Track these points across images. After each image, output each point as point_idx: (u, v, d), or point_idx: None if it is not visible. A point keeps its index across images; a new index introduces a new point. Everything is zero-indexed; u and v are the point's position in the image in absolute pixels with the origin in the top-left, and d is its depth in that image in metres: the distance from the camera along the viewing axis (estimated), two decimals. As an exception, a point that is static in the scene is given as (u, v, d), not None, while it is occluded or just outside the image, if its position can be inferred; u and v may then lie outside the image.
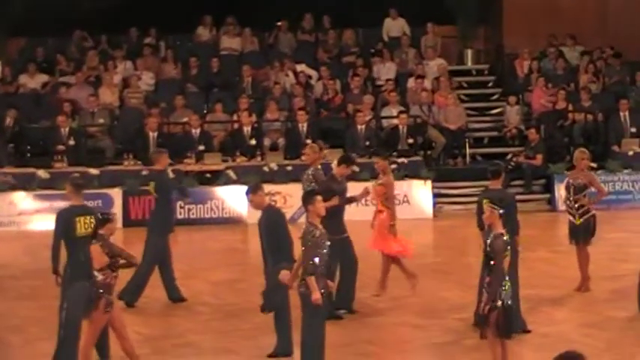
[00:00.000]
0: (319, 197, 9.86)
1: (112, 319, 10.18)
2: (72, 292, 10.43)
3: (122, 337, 10.26)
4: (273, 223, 10.74)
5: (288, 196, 19.92)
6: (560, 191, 20.22)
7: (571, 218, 13.78)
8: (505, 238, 9.77)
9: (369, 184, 13.89)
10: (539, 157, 21.78)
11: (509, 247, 9.84)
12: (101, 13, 25.23)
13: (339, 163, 12.78)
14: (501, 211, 9.89)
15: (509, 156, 22.73)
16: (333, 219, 12.00)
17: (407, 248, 13.17)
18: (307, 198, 9.91)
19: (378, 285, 13.09)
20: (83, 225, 10.48)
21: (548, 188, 21.63)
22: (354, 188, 20.97)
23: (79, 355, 10.16)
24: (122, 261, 10.17)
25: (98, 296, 9.96)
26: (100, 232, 10.13)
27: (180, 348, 11.54)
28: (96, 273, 9.99)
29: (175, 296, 13.53)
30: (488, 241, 9.78)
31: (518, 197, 21.25)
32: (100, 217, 10.28)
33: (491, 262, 9.68)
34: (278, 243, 10.63)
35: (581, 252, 13.73)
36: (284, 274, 10.27)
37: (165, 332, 12.19)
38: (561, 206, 19.92)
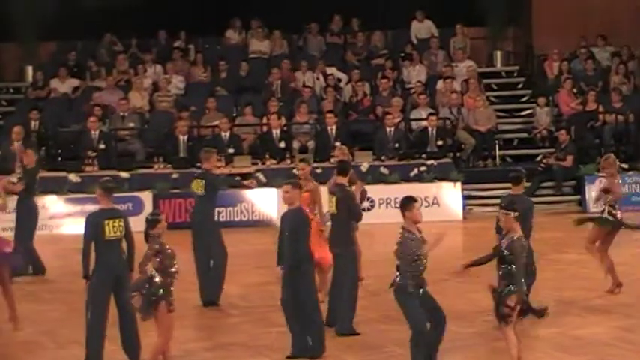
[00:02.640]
0: (417, 204, 9.82)
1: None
2: (96, 295, 10.51)
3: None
4: (298, 225, 10.73)
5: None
6: (590, 192, 20.16)
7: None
8: (523, 240, 9.81)
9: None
10: (570, 158, 21.69)
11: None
12: (131, 17, 25.37)
13: (339, 174, 12.38)
14: (516, 214, 9.93)
15: (539, 158, 22.67)
16: (346, 230, 11.95)
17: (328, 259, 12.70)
18: (405, 204, 9.87)
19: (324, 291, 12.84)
20: (112, 228, 10.55)
21: (579, 190, 21.52)
22: (384, 190, 21.01)
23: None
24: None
25: (157, 299, 10.01)
26: (151, 232, 10.14)
27: (210, 350, 11.58)
28: (155, 274, 10.04)
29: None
30: (505, 244, 9.81)
31: (548, 199, 21.36)
32: (150, 218, 10.27)
33: (511, 265, 9.71)
34: (297, 245, 10.66)
35: (603, 257, 13.62)
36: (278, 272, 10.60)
37: (196, 335, 12.23)
38: (592, 207, 19.83)
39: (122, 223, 10.64)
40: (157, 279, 10.03)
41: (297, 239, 10.74)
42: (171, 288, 10.13)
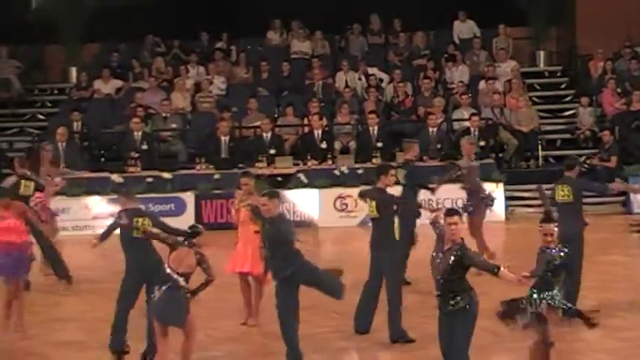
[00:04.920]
0: (452, 218, 9.65)
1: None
2: (126, 292, 10.94)
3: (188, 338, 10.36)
4: (283, 234, 10.62)
5: (359, 199, 19.93)
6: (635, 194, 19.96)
7: None
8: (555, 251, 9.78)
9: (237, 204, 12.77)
10: (614, 159, 21.50)
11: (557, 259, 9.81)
12: (173, 18, 25.51)
13: (379, 174, 12.20)
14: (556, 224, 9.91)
15: (582, 158, 22.45)
16: (387, 234, 11.88)
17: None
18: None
19: (253, 313, 12.64)
20: (140, 227, 10.88)
21: (623, 191, 21.28)
22: (425, 191, 20.87)
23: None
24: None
25: (189, 301, 10.09)
26: (193, 241, 10.23)
27: (252, 351, 11.60)
28: (179, 277, 10.07)
29: None
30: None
31: (592, 200, 21.10)
32: (189, 230, 10.32)
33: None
34: (285, 253, 10.60)
35: None
36: None
37: (237, 336, 12.25)
38: (637, 209, 19.67)
39: (148, 222, 10.83)
40: (183, 283, 10.07)
41: (282, 248, 10.62)
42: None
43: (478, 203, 15.50)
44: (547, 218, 10.05)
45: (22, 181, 14.73)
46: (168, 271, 10.09)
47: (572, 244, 12.10)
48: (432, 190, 15.52)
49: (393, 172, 12.18)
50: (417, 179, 14.56)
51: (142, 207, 11.45)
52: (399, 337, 11.72)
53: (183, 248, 10.17)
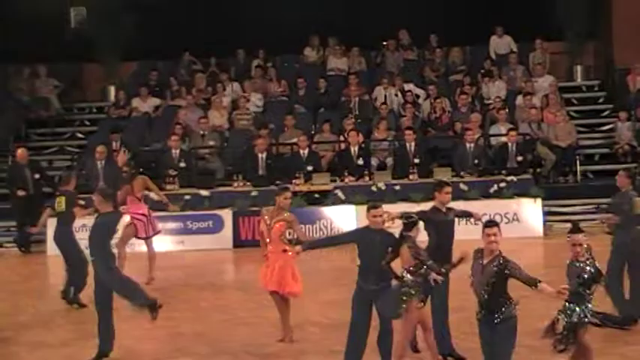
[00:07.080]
0: (490, 229, 9.58)
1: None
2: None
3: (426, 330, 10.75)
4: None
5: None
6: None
7: None
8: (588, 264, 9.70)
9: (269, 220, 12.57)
10: (653, 173, 21.35)
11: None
12: (209, 36, 25.67)
13: (433, 191, 11.87)
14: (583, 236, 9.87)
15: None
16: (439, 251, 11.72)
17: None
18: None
19: (286, 330, 12.53)
20: None
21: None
22: (463, 207, 20.86)
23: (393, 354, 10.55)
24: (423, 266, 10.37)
25: (410, 296, 10.23)
26: (409, 234, 10.39)
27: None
28: (405, 273, 10.31)
29: None
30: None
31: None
32: (406, 220, 10.52)
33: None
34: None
35: None
36: None
37: (278, 352, 12.26)
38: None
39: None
40: (408, 277, 10.28)
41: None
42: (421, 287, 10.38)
43: None
44: (575, 229, 10.00)
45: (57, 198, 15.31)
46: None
47: None
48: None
49: (448, 189, 11.67)
50: None
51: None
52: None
53: (403, 247, 10.36)
